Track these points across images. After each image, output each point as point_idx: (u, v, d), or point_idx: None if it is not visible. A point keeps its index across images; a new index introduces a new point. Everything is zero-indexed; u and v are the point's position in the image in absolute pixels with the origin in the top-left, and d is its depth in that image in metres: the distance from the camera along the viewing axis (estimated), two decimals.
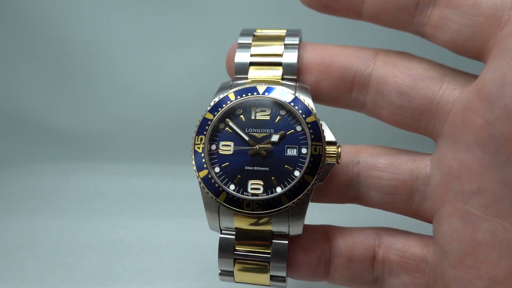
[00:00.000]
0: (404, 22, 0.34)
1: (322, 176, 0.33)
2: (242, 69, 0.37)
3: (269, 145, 0.33)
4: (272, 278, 0.34)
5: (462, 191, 0.31)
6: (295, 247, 0.34)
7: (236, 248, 0.34)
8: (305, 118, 0.33)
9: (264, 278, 0.34)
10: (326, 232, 0.35)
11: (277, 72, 0.36)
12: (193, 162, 0.34)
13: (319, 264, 0.34)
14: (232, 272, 0.35)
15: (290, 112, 0.34)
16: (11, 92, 0.79)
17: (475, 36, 0.31)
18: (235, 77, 0.37)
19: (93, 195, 0.64)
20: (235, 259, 0.34)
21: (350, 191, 0.35)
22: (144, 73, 0.77)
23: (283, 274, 0.34)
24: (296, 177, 0.32)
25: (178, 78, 0.75)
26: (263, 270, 0.34)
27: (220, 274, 0.36)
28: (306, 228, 0.35)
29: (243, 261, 0.34)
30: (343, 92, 0.36)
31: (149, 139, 0.75)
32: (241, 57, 0.37)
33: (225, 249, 0.34)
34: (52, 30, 0.76)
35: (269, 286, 0.35)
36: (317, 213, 0.39)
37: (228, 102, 0.35)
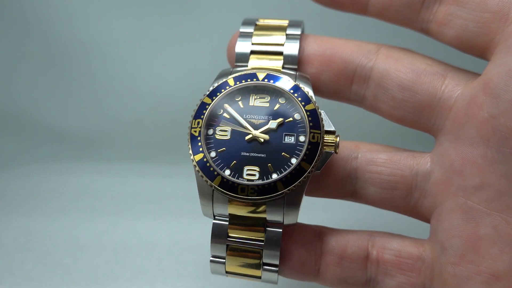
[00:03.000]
0: (410, 18, 0.34)
1: (319, 164, 0.33)
2: (243, 57, 0.37)
3: (266, 136, 0.33)
4: (264, 266, 0.34)
5: (464, 186, 0.31)
6: (287, 240, 0.34)
7: (230, 235, 0.34)
8: (304, 106, 0.33)
9: (255, 267, 0.34)
10: (318, 231, 0.35)
11: (278, 62, 0.36)
12: (189, 146, 0.33)
13: (310, 259, 0.34)
14: (224, 257, 0.34)
15: (289, 100, 0.34)
16: (11, 92, 0.79)
17: (481, 32, 0.31)
18: (236, 65, 0.37)
19: (93, 195, 0.64)
20: (227, 245, 0.34)
21: (347, 185, 0.35)
22: (144, 73, 0.77)
23: (276, 261, 0.33)
24: (292, 164, 0.32)
25: (178, 78, 0.75)
26: (256, 256, 0.34)
27: (211, 261, 0.35)
28: (298, 226, 0.35)
29: (235, 246, 0.34)
30: (343, 85, 0.36)
31: (149, 139, 0.75)
32: (242, 46, 0.37)
33: (218, 235, 0.34)
34: (52, 30, 0.76)
35: (260, 278, 0.34)
36: (312, 214, 0.39)
37: (227, 87, 0.34)
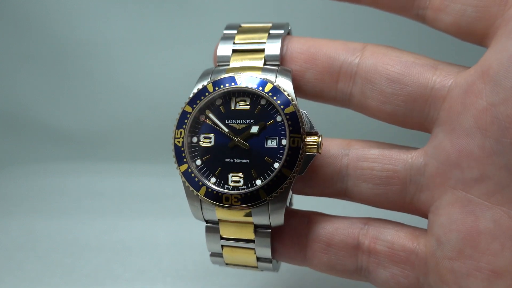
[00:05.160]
0: (405, 5, 0.33)
1: (301, 168, 0.32)
2: (224, 59, 0.36)
3: (247, 144, 0.33)
4: (259, 259, 0.35)
5: (463, 179, 0.29)
6: (275, 229, 0.34)
7: (222, 236, 0.35)
8: (283, 109, 0.33)
9: (251, 259, 0.35)
10: (307, 217, 0.35)
11: (259, 62, 0.35)
12: (174, 156, 0.34)
13: (294, 246, 0.34)
14: (221, 254, 0.35)
15: (269, 102, 0.33)
16: (11, 92, 0.79)
17: (480, 17, 0.30)
18: (218, 64, 0.36)
19: (93, 195, 0.64)
20: (222, 245, 0.35)
21: (338, 183, 0.34)
22: (144, 73, 0.77)
23: (269, 256, 0.34)
24: (275, 169, 0.32)
25: (178, 78, 0.75)
26: (250, 252, 0.35)
27: (211, 255, 0.36)
28: (288, 211, 0.35)
29: (230, 246, 0.35)
30: (329, 83, 0.35)
31: (148, 139, 0.75)
32: (223, 49, 0.36)
33: (212, 236, 0.35)
34: (52, 30, 0.76)
35: (257, 268, 0.36)
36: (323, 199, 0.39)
37: (207, 93, 0.34)
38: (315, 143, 0.32)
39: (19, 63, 0.78)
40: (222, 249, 0.35)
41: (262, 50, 0.35)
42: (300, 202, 0.41)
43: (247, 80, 0.34)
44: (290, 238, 0.34)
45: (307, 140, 0.32)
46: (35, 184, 0.67)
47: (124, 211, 0.60)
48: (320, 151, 0.32)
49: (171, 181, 0.67)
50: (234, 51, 0.36)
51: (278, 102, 0.33)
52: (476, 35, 0.31)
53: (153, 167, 0.71)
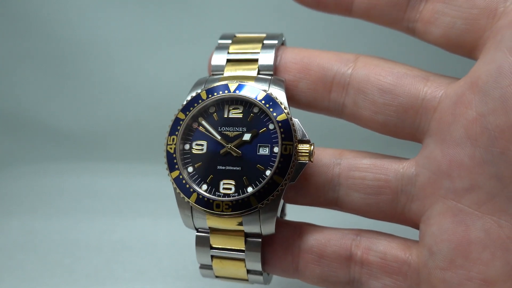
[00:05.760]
0: (395, 18, 0.34)
1: (293, 176, 0.32)
2: (218, 68, 0.36)
3: (239, 152, 0.33)
4: (249, 271, 0.35)
5: (454, 189, 0.30)
6: (265, 239, 0.34)
7: (213, 245, 0.34)
8: (276, 117, 0.33)
9: (241, 272, 0.35)
10: (299, 228, 0.35)
11: (253, 72, 0.36)
12: (166, 163, 0.34)
13: (287, 257, 0.34)
14: (211, 266, 0.35)
15: (262, 110, 0.34)
16: (11, 92, 0.79)
17: (469, 30, 0.30)
18: (212, 74, 0.37)
19: (92, 195, 0.64)
20: (212, 255, 0.35)
21: (329, 192, 0.34)
22: (144, 73, 0.77)
23: (259, 268, 0.34)
24: (267, 176, 0.32)
25: (178, 78, 0.75)
26: (240, 264, 0.34)
27: (200, 267, 0.36)
28: (279, 222, 0.35)
29: (219, 256, 0.35)
30: (322, 93, 0.35)
31: (148, 139, 0.75)
32: (218, 58, 0.37)
33: (202, 246, 0.35)
34: (51, 30, 0.76)
35: (247, 281, 0.35)
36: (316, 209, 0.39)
37: (200, 101, 0.34)
38: (307, 151, 0.32)
39: (19, 63, 0.78)
40: (211, 260, 0.35)
41: (256, 60, 0.36)
42: (293, 213, 0.41)
43: (240, 88, 0.34)
44: (281, 249, 0.34)
45: (299, 147, 0.32)
46: (35, 184, 0.67)
47: (124, 211, 0.60)
48: (312, 159, 0.32)
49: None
50: (228, 60, 0.36)
51: (271, 110, 0.33)
52: (465, 48, 0.31)
53: (153, 167, 0.70)
